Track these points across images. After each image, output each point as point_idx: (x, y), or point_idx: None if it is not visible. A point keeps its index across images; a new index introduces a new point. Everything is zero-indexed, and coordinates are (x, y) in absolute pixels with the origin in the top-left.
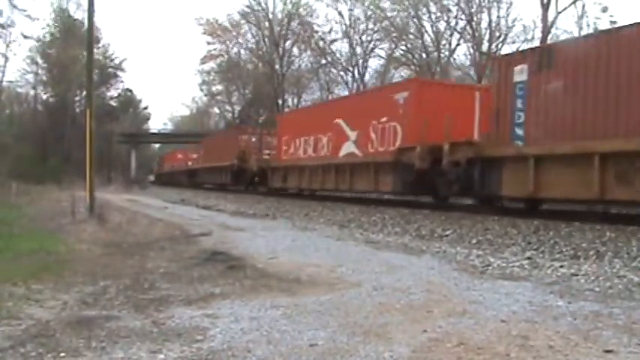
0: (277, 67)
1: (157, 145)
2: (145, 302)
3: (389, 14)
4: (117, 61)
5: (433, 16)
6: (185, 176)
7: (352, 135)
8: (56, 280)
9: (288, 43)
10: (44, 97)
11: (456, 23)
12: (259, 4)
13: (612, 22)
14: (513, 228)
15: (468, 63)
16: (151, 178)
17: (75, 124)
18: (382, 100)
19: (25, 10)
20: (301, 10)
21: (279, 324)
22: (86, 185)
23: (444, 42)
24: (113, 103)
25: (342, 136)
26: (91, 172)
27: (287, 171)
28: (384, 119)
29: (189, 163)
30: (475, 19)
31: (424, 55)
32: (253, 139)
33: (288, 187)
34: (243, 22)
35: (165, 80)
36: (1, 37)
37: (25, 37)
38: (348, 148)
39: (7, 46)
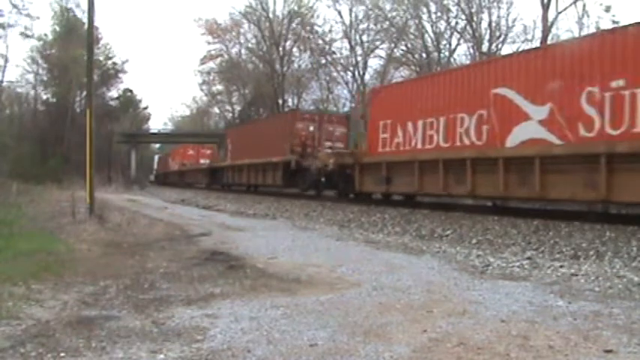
0: (277, 67)
1: (157, 145)
2: (145, 302)
3: (389, 14)
4: (117, 62)
5: (433, 16)
6: (203, 176)
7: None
8: (56, 280)
9: (288, 43)
10: (44, 97)
11: (456, 23)
12: (260, 3)
13: (615, 22)
14: (513, 228)
15: (468, 63)
16: (151, 178)
17: (75, 124)
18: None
19: (26, 9)
20: (302, 9)
21: (279, 324)
22: (86, 185)
23: (444, 42)
24: (113, 103)
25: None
26: (91, 172)
27: (391, 169)
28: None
29: (204, 161)
30: (475, 19)
31: (424, 55)
32: (311, 128)
33: (393, 192)
34: (243, 21)
35: (165, 80)
36: (1, 38)
37: (27, 36)
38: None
39: (7, 46)
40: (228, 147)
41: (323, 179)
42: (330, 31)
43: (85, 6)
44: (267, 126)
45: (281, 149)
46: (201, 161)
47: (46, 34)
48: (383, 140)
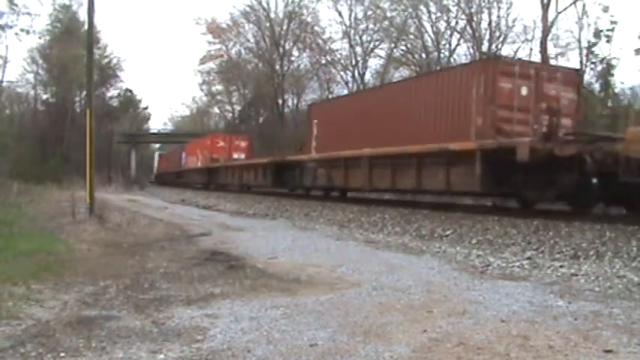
0: (277, 67)
1: (157, 145)
2: (145, 302)
3: (389, 14)
4: (117, 61)
5: (433, 16)
6: (256, 176)
7: None
8: (56, 280)
9: (288, 43)
10: (44, 97)
11: (456, 23)
12: (260, 3)
13: (612, 22)
14: (513, 228)
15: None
16: (151, 178)
17: (75, 124)
18: None
19: (26, 8)
20: (303, 10)
21: (279, 324)
22: (86, 185)
23: (443, 42)
24: (113, 103)
25: None
26: (91, 172)
27: None
28: None
29: (238, 156)
30: (475, 19)
31: (424, 55)
32: (524, 91)
33: None
34: (243, 21)
35: (165, 80)
36: (1, 38)
37: (27, 32)
38: None
39: (7, 47)
40: (312, 131)
41: (594, 181)
42: (331, 34)
43: (85, 6)
44: (415, 88)
45: (463, 128)
46: (235, 156)
47: (44, 32)
48: None
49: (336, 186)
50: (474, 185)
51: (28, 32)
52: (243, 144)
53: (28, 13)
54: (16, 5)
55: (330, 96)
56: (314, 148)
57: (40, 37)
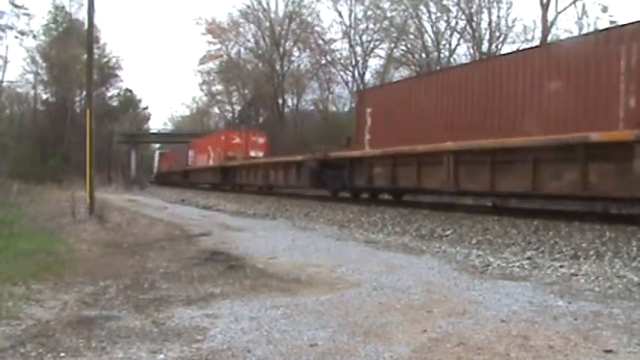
0: (277, 67)
1: (157, 145)
2: (145, 302)
3: (389, 14)
4: (116, 61)
5: (433, 16)
6: (288, 175)
7: None
8: (56, 280)
9: (288, 43)
10: (44, 97)
11: (456, 23)
12: (260, 3)
13: (612, 22)
14: (513, 228)
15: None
16: (152, 177)
17: (75, 124)
18: None
19: (26, 9)
20: (303, 10)
21: (279, 324)
22: (86, 185)
23: (443, 42)
24: (113, 103)
25: None
26: (91, 172)
27: None
28: None
29: (256, 153)
30: (475, 19)
31: (424, 55)
32: None
33: None
34: (243, 21)
35: (165, 80)
36: (1, 39)
37: (26, 35)
38: None
39: (7, 47)
40: (365, 122)
41: None
42: (330, 29)
43: (85, 6)
44: (523, 63)
45: (604, 112)
46: (252, 154)
47: (44, 30)
48: None
49: (404, 187)
50: (632, 187)
51: (27, 35)
52: (261, 140)
53: (27, 14)
54: (19, 7)
55: (330, 96)
56: (367, 143)
57: (35, 37)
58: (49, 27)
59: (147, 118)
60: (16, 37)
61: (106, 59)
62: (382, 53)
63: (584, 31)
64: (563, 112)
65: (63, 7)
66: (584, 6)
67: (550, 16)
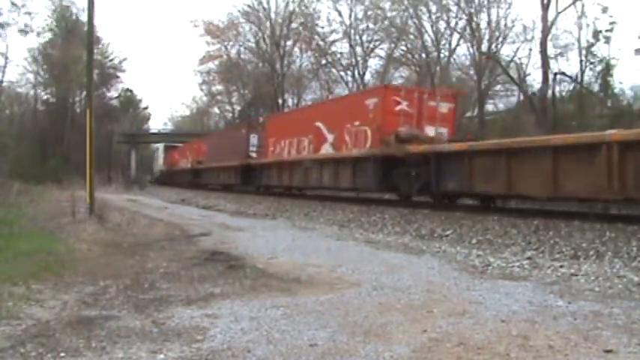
0: (277, 66)
1: (157, 145)
2: (145, 302)
3: (389, 14)
4: (117, 61)
5: (433, 16)
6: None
7: None
8: (56, 280)
9: (288, 43)
10: (44, 97)
11: (456, 23)
12: (260, 3)
13: (612, 23)
14: (513, 228)
15: (467, 63)
16: (154, 176)
17: (75, 124)
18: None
19: (25, 7)
20: (304, 9)
21: (279, 324)
22: (86, 185)
23: (443, 42)
24: (113, 103)
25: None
26: (91, 172)
27: None
28: None
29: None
30: (475, 19)
31: (424, 55)
32: None
33: None
34: (242, 21)
35: (165, 80)
36: (1, 37)
37: (25, 31)
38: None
39: (7, 46)
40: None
41: None
42: (332, 32)
43: (85, 6)
44: None
45: None
46: (428, 131)
47: (44, 29)
48: None
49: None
50: None
51: (27, 33)
52: (443, 107)
53: (28, 13)
54: (18, 7)
55: (331, 96)
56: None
57: (38, 35)
58: (53, 26)
59: (147, 118)
60: (22, 30)
61: (106, 60)
62: (382, 53)
63: (584, 31)
64: None
65: (68, 7)
66: (583, 6)
67: (550, 16)
